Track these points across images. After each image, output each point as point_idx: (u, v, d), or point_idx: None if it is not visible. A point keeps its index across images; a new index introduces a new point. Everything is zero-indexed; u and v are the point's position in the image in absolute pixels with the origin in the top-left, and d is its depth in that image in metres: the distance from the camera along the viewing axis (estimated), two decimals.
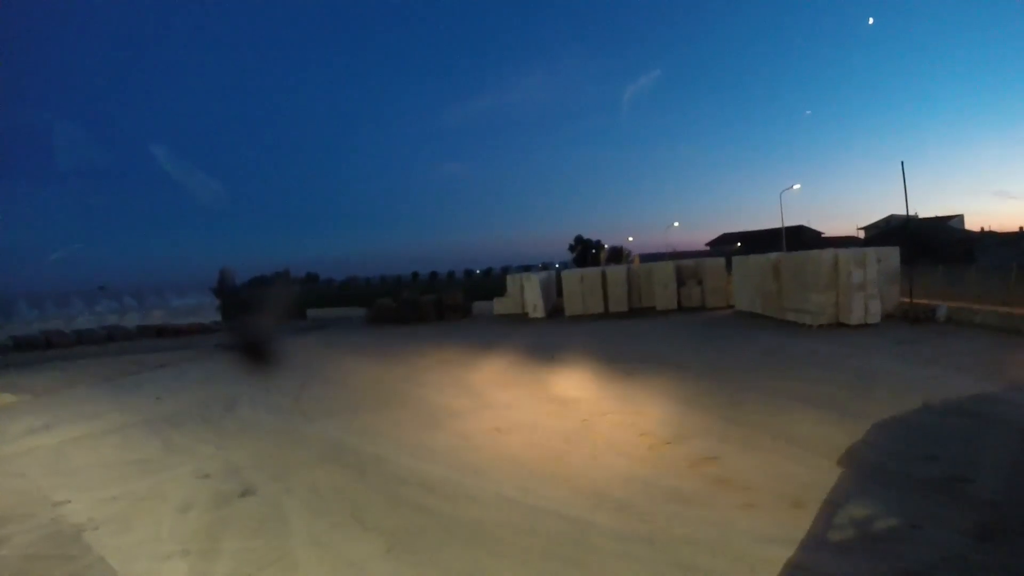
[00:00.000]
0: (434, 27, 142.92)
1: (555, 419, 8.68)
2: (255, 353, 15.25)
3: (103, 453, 9.27)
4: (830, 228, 70.96)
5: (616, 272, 24.32)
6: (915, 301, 17.73)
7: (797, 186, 39.69)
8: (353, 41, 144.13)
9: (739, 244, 63.89)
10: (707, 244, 71.52)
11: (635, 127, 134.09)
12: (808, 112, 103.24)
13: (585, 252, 66.37)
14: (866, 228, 69.97)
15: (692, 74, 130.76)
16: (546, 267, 39.47)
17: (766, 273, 19.48)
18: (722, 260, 23.76)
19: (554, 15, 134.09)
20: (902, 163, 21.26)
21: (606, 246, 66.59)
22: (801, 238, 60.08)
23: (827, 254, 17.30)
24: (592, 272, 24.60)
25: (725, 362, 12.28)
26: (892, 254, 18.63)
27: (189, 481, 7.51)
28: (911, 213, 65.50)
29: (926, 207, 78.02)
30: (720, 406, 8.80)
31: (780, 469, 6.23)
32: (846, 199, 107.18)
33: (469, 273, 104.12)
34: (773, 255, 19.89)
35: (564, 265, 60.57)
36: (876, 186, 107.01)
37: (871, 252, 17.37)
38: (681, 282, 23.90)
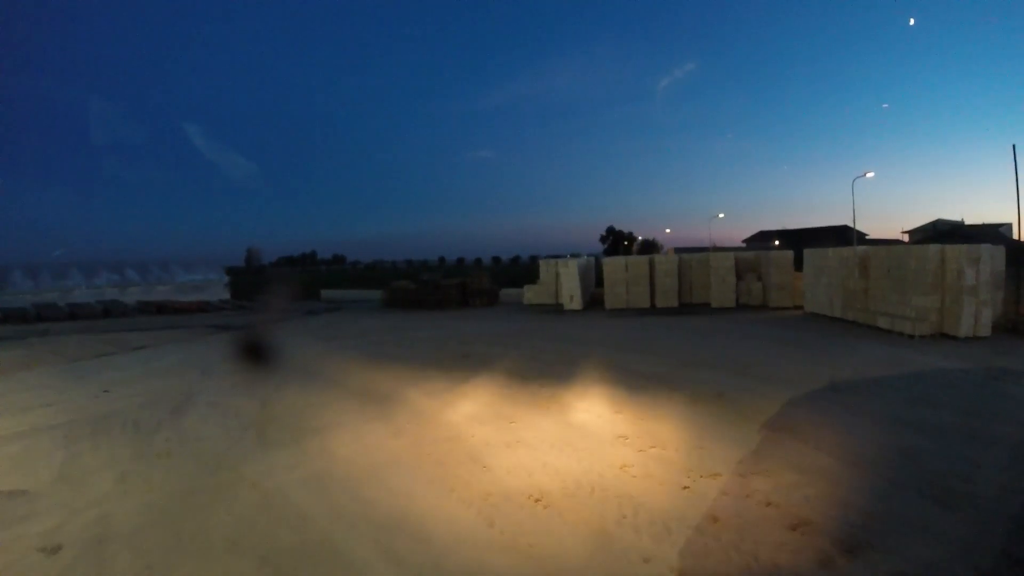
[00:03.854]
0: (469, 12, 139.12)
1: (631, 480, 5.11)
2: (256, 341, 12.69)
3: None
4: (872, 231, 65.83)
5: (666, 261, 20.59)
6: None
7: (871, 174, 35.08)
8: (388, 25, 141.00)
9: (776, 242, 59.51)
10: (743, 241, 66.96)
11: (671, 118, 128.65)
12: (886, 105, 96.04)
13: (617, 243, 62.40)
14: (911, 232, 65.05)
15: (729, 66, 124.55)
16: (574, 257, 35.83)
17: (851, 269, 15.69)
18: (789, 252, 19.86)
19: (591, 1, 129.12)
20: (1013, 147, 17.49)
21: (639, 238, 62.69)
22: (845, 237, 55.52)
23: (933, 249, 13.47)
24: (638, 260, 20.86)
25: (842, 383, 8.63)
26: (998, 254, 14.64)
27: (25, 556, 4.34)
28: (957, 219, 60.45)
29: (951, 213, 71.90)
30: (901, 466, 5.25)
31: None
32: (888, 202, 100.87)
33: (497, 260, 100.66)
34: (860, 248, 16.10)
35: (594, 256, 56.99)
36: (919, 190, 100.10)
37: (986, 248, 13.51)
38: (738, 276, 20.17)
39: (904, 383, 8.57)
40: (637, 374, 9.42)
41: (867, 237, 60.40)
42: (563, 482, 5.04)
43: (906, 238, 62.96)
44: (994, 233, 54.51)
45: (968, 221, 61.89)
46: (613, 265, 20.82)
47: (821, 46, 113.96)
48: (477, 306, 23.85)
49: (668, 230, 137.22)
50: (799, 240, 53.91)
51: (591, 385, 8.80)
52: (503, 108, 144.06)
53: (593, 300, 22.37)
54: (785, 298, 19.40)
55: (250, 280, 29.20)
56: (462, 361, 11.32)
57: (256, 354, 12.29)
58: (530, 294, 23.26)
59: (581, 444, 6.04)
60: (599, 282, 22.51)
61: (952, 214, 65.39)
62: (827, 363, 10.07)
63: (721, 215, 78.60)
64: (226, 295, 29.09)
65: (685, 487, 4.87)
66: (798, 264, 19.58)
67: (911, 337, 12.98)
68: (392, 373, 10.44)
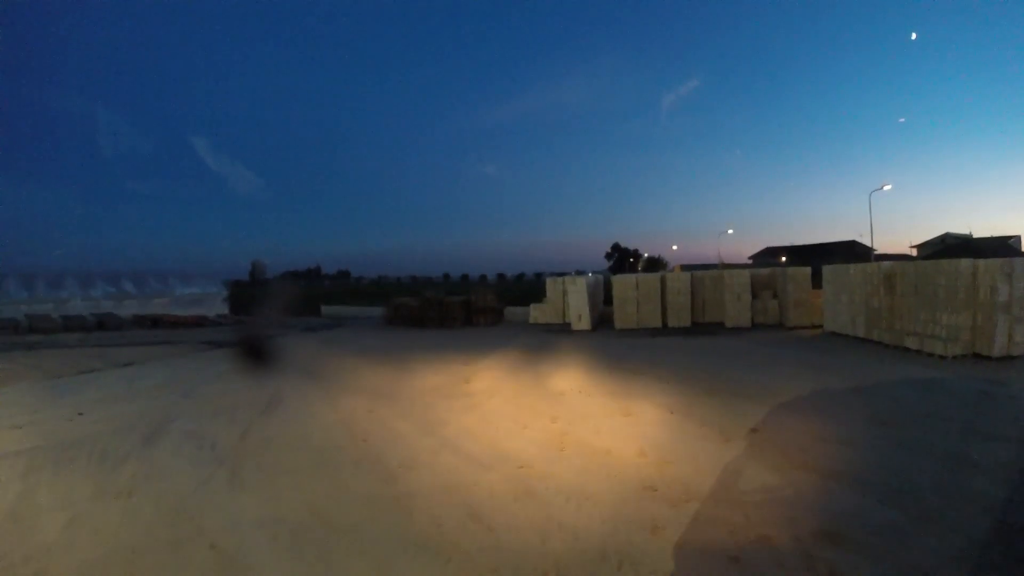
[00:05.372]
0: (473, 29, 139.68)
1: (667, 549, 4.07)
2: (254, 350, 12.04)
3: None
4: (878, 245, 64.87)
5: (678, 279, 19.60)
6: None
7: (888, 186, 34.24)
8: (392, 41, 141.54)
9: (784, 258, 58.57)
10: (750, 257, 66.03)
11: (676, 134, 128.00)
12: (902, 119, 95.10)
13: (622, 260, 61.55)
14: (919, 247, 64.09)
15: (735, 82, 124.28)
16: (580, 274, 34.55)
17: (875, 286, 14.75)
18: (807, 269, 18.90)
19: (595, 19, 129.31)
20: None
21: (645, 254, 61.77)
22: (854, 253, 54.51)
23: (964, 263, 12.52)
24: (649, 278, 19.87)
25: (890, 416, 7.64)
26: None
27: None
28: (966, 232, 59.65)
29: (954, 226, 70.56)
30: (979, 522, 4.28)
31: None
32: (893, 216, 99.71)
33: (501, 277, 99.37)
34: (885, 263, 15.16)
35: (599, 274, 55.91)
36: (923, 203, 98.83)
37: (1019, 262, 12.61)
38: (753, 294, 19.20)
39: (956, 413, 7.60)
40: (659, 405, 8.39)
41: (875, 252, 59.49)
42: (583, 551, 4.05)
43: (914, 252, 61.95)
44: (1004, 245, 53.50)
45: (974, 234, 60.99)
46: (623, 283, 19.84)
47: (825, 59, 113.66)
48: (481, 324, 22.91)
49: (675, 247, 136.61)
50: (807, 256, 53.00)
51: (609, 419, 7.76)
52: (508, 124, 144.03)
53: (601, 319, 21.42)
54: (803, 316, 18.41)
55: (251, 293, 28.47)
56: (464, 388, 10.31)
57: (254, 358, 11.65)
58: (536, 312, 22.36)
59: (602, 496, 5.02)
60: (607, 300, 21.62)
61: (955, 227, 64.46)
62: (867, 391, 9.11)
63: (730, 231, 77.88)
64: (225, 309, 28.28)
65: (735, 558, 3.90)
66: (815, 281, 18.71)
67: (942, 358, 12.06)
68: (387, 401, 9.45)
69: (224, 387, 11.35)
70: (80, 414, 9.61)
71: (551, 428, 7.29)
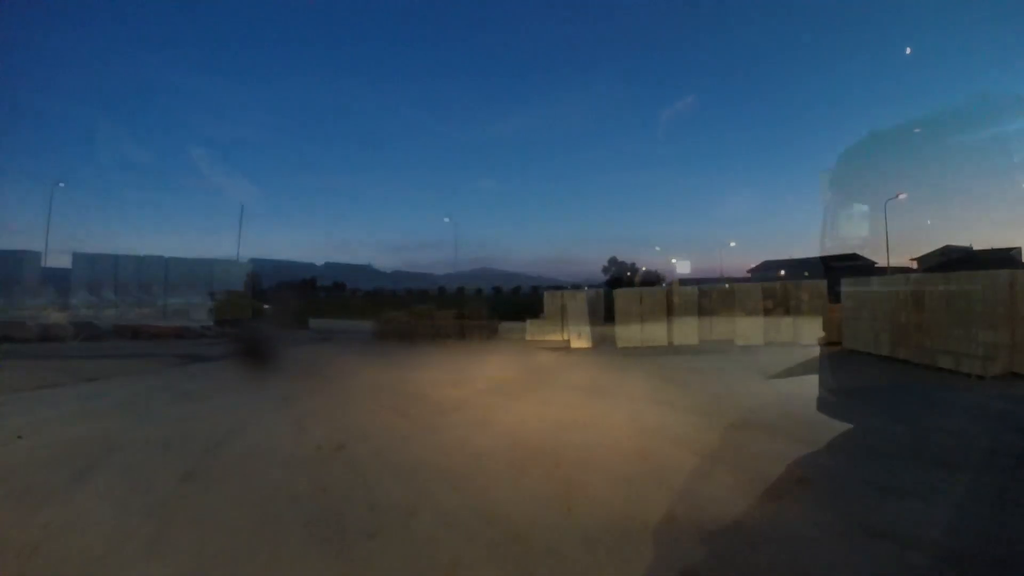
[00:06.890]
0: (471, 43, 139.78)
1: None
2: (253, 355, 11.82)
3: None
4: (877, 258, 63.63)
5: (685, 293, 18.34)
6: None
7: (903, 195, 33.13)
8: (390, 54, 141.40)
9: (782, 272, 57.63)
10: (748, 271, 65.09)
11: (673, 149, 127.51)
12: (917, 130, 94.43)
13: (619, 275, 60.43)
14: (920, 259, 63.06)
15: (732, 98, 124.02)
16: (577, 288, 33.03)
17: (902, 301, 13.56)
18: (823, 282, 17.74)
19: (593, 34, 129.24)
20: None
21: (643, 268, 60.63)
22: (855, 268, 53.47)
23: (1003, 275, 11.49)
24: (654, 292, 18.63)
25: (953, 455, 6.43)
26: None
27: None
28: (966, 245, 58.46)
29: (948, 239, 68.88)
30: None
31: None
32: (892, 230, 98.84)
33: (498, 290, 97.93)
34: (913, 275, 14.02)
35: (597, 287, 54.44)
36: (922, 217, 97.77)
37: None
38: (765, 310, 18.01)
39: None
40: (681, 445, 6.99)
41: (876, 265, 58.43)
42: None
43: (915, 265, 60.93)
44: (1006, 257, 52.47)
45: (974, 246, 59.89)
46: (626, 297, 18.53)
47: (823, 73, 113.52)
48: (475, 340, 21.60)
49: (674, 260, 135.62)
50: (807, 270, 51.92)
51: (625, 465, 6.30)
52: (505, 138, 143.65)
53: (602, 336, 20.14)
54: (818, 333, 17.19)
55: (241, 304, 27.34)
56: (449, 418, 8.81)
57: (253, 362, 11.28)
58: (533, 329, 21.06)
59: None
60: (608, 316, 20.40)
61: (952, 240, 63.24)
62: (914, 423, 7.85)
63: (732, 243, 76.80)
64: (209, 320, 26.98)
65: None
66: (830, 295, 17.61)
67: (980, 378, 10.94)
68: (361, 432, 8.06)
69: (185, 409, 10.07)
70: (19, 437, 8.38)
71: (554, 476, 5.84)
